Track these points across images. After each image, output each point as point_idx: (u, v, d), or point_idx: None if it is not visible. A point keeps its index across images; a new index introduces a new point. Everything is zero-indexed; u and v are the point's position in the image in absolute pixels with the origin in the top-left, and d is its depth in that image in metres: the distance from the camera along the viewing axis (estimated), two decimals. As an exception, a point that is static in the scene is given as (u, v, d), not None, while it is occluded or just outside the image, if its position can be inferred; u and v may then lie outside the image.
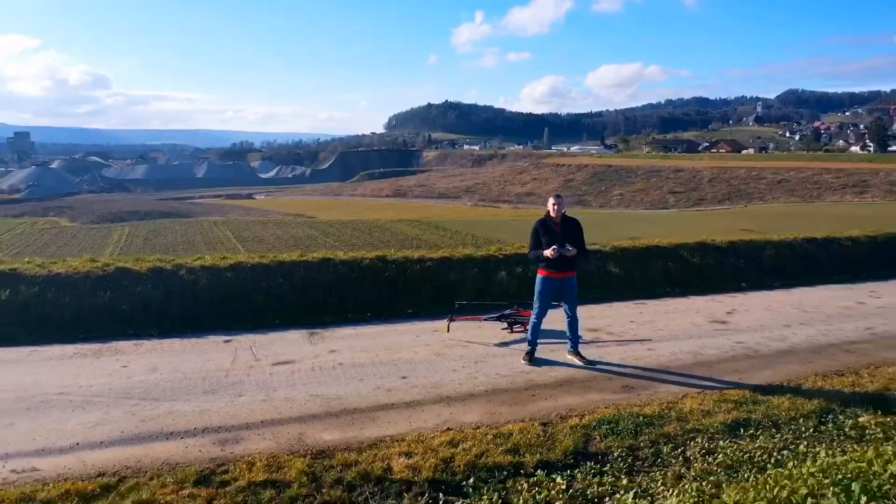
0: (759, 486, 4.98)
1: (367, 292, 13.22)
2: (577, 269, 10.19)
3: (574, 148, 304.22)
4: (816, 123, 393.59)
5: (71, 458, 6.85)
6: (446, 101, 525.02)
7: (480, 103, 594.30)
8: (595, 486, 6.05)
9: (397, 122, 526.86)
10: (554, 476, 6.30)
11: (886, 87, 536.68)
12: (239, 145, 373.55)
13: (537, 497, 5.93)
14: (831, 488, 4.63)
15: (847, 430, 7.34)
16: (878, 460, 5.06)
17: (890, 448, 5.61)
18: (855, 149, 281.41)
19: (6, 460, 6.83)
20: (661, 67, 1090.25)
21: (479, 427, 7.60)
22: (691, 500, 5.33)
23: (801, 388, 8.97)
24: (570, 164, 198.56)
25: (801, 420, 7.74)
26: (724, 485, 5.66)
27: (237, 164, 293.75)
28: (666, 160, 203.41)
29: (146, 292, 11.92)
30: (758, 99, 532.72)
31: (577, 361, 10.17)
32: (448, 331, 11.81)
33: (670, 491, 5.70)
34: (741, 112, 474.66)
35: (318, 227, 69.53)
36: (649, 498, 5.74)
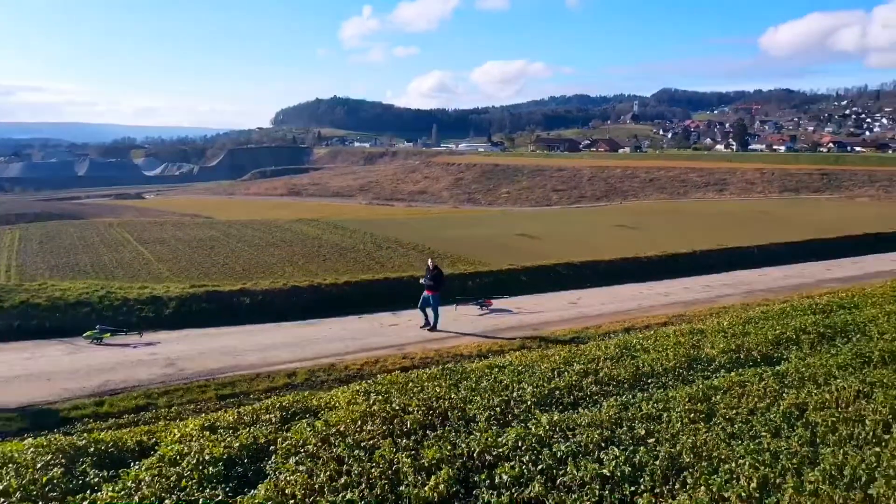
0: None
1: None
2: (438, 291, 18.86)
3: (462, 145, 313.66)
4: (687, 122, 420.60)
5: (346, 356, 13.04)
6: (335, 96, 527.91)
7: (367, 97, 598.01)
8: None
9: (285, 116, 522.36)
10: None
11: (750, 88, 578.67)
12: (120, 141, 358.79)
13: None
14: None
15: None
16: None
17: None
18: (720, 147, 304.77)
19: (324, 358, 15.32)
20: (546, 64, 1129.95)
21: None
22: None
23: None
24: (460, 163, 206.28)
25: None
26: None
27: (120, 161, 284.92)
28: (548, 159, 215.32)
29: (323, 294, 19.34)
30: (635, 97, 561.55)
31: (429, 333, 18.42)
32: (456, 309, 20.93)
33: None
34: (619, 110, 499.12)
35: (218, 228, 69.34)
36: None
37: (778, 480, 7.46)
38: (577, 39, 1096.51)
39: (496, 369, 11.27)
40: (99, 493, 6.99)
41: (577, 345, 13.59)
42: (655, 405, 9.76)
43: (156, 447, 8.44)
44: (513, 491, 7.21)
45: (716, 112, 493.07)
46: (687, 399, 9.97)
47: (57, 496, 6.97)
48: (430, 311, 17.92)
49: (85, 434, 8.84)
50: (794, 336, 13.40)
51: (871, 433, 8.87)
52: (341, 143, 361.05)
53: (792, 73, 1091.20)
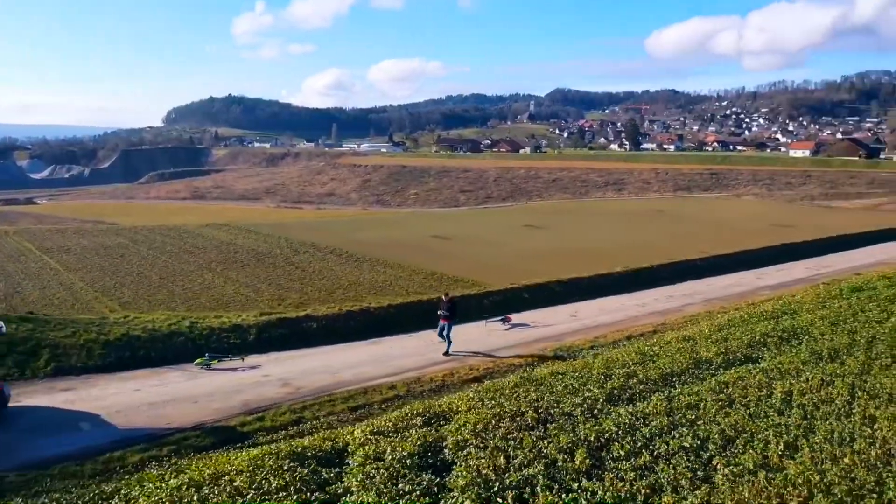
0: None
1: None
2: (452, 321, 21.35)
3: (364, 145, 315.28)
4: (581, 122, 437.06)
5: (424, 370, 16.24)
6: (230, 94, 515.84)
7: (262, 95, 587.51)
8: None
9: (178, 115, 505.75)
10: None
11: (638, 88, 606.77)
12: (1, 141, 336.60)
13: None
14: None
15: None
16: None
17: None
18: (614, 147, 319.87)
19: (407, 372, 18.06)
20: (442, 63, 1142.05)
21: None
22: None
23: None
24: (367, 164, 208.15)
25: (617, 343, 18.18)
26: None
27: (4, 163, 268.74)
28: (454, 160, 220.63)
29: (372, 316, 21.29)
30: (530, 97, 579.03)
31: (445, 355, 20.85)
32: (486, 325, 24.00)
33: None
34: (516, 109, 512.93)
35: (124, 234, 66.92)
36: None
37: (795, 444, 11.27)
38: (471, 39, 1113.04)
39: (559, 376, 14.74)
40: (343, 483, 9.94)
41: (598, 353, 17.21)
42: (689, 397, 13.51)
43: (346, 450, 11.39)
44: (630, 462, 10.67)
45: (607, 111, 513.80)
46: (709, 391, 13.79)
47: (295, 491, 9.77)
48: (444, 335, 20.55)
49: (290, 441, 11.66)
50: (762, 340, 17.56)
51: (841, 409, 12.92)
52: (240, 144, 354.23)
53: (676, 74, 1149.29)
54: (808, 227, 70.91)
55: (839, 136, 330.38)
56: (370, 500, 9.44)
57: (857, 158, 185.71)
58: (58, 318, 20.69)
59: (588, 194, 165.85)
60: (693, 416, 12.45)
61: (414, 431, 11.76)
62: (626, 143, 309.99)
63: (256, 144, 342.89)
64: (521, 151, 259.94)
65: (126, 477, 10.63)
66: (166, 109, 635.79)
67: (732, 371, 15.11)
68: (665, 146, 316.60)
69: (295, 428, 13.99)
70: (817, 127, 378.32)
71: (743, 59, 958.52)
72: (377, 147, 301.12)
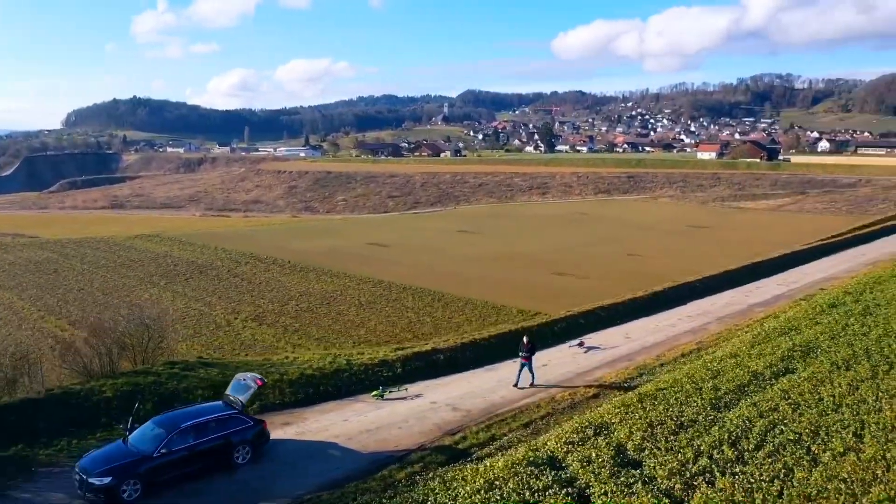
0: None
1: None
2: (530, 360, 24.34)
3: (282, 150, 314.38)
4: (494, 123, 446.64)
5: (552, 390, 21.01)
6: (134, 96, 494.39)
7: (166, 96, 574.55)
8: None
9: (78, 118, 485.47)
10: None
11: (547, 89, 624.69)
12: None
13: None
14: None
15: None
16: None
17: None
18: (529, 148, 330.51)
19: (539, 394, 22.10)
20: (350, 64, 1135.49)
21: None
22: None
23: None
24: (292, 170, 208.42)
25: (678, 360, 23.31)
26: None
27: None
28: (377, 165, 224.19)
29: (479, 346, 25.61)
30: (442, 98, 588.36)
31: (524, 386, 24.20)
32: (570, 348, 27.96)
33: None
34: (429, 110, 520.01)
35: (50, 248, 65.83)
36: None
37: (860, 433, 16.57)
38: (381, 39, 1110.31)
39: (662, 391, 19.73)
40: (579, 480, 14.51)
41: (669, 370, 22.36)
42: (767, 402, 18.74)
43: (554, 456, 15.94)
44: (760, 452, 15.71)
45: (517, 112, 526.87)
46: (779, 398, 19.06)
47: (551, 489, 14.19)
48: (524, 373, 23.77)
49: (509, 453, 16.10)
50: (789, 354, 23.10)
51: (872, 406, 18.34)
52: (150, 148, 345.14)
53: (582, 75, 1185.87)
54: (724, 228, 79.84)
55: (737, 136, 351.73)
56: (610, 488, 14.12)
57: (759, 160, 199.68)
58: (225, 361, 24.08)
59: (514, 198, 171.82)
60: (778, 416, 17.71)
61: (600, 439, 16.48)
62: (541, 145, 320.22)
63: (169, 149, 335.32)
64: (442, 155, 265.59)
65: (428, 484, 14.78)
66: (66, 111, 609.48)
67: (784, 380, 20.51)
68: (578, 147, 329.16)
69: (496, 443, 18.08)
70: (717, 127, 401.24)
71: (645, 61, 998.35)
72: (295, 151, 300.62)
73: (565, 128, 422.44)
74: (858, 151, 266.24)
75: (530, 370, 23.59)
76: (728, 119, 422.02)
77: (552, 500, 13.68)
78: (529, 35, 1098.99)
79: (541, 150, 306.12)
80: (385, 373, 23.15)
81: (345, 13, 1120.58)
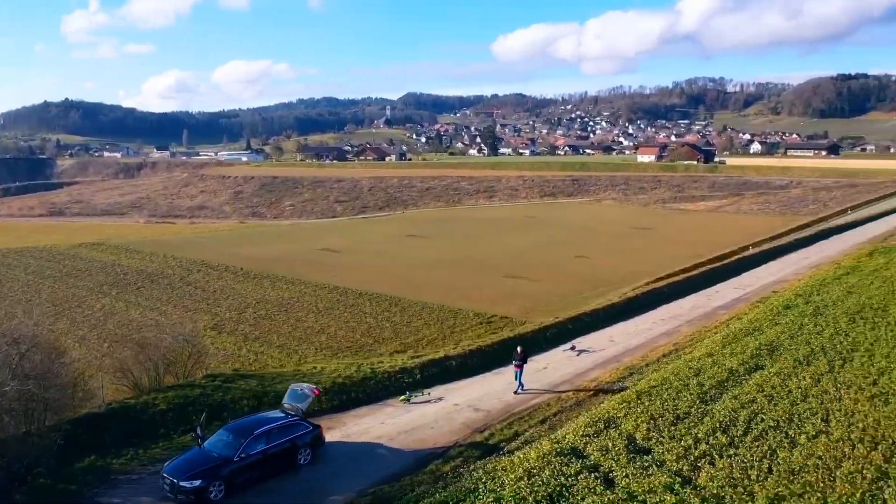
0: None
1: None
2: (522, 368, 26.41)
3: (223, 154, 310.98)
4: (437, 126, 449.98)
5: (559, 387, 23.50)
6: (67, 98, 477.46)
7: (99, 98, 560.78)
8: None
9: (7, 121, 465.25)
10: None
11: (488, 92, 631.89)
12: None
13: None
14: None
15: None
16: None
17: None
18: (473, 151, 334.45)
19: (546, 394, 24.86)
20: (290, 65, 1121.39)
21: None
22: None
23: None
24: (237, 175, 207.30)
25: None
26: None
27: None
28: (323, 169, 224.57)
29: (485, 352, 28.23)
30: (383, 100, 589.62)
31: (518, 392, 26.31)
32: (563, 352, 30.39)
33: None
34: (370, 113, 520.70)
35: None
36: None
37: (827, 416, 19.72)
38: (320, 40, 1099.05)
39: (655, 388, 22.64)
40: (602, 467, 17.26)
41: (655, 369, 25.34)
42: (746, 395, 21.83)
43: (575, 446, 18.61)
44: (748, 437, 18.71)
45: (459, 115, 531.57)
46: (755, 391, 22.17)
47: (582, 475, 16.87)
48: (518, 379, 25.80)
49: (535, 446, 18.71)
50: (758, 352, 26.36)
51: (833, 395, 21.59)
52: (86, 153, 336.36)
53: (522, 78, 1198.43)
54: (666, 229, 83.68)
55: (674, 138, 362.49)
56: (630, 472, 16.87)
57: (696, 163, 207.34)
58: (261, 373, 26.02)
59: (461, 202, 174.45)
60: (757, 407, 20.82)
61: (612, 431, 19.25)
62: (485, 147, 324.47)
63: (106, 154, 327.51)
64: (388, 159, 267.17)
65: (473, 474, 17.22)
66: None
67: (757, 375, 23.70)
68: (520, 150, 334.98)
69: (521, 438, 20.54)
70: (654, 130, 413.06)
71: (583, 64, 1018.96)
72: (237, 155, 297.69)
73: (507, 130, 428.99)
74: (788, 153, 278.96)
75: (518, 378, 25.89)
76: (664, 121, 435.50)
77: (584, 484, 16.34)
78: (469, 38, 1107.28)
79: (484, 153, 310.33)
80: (406, 379, 25.47)
81: (284, 14, 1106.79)
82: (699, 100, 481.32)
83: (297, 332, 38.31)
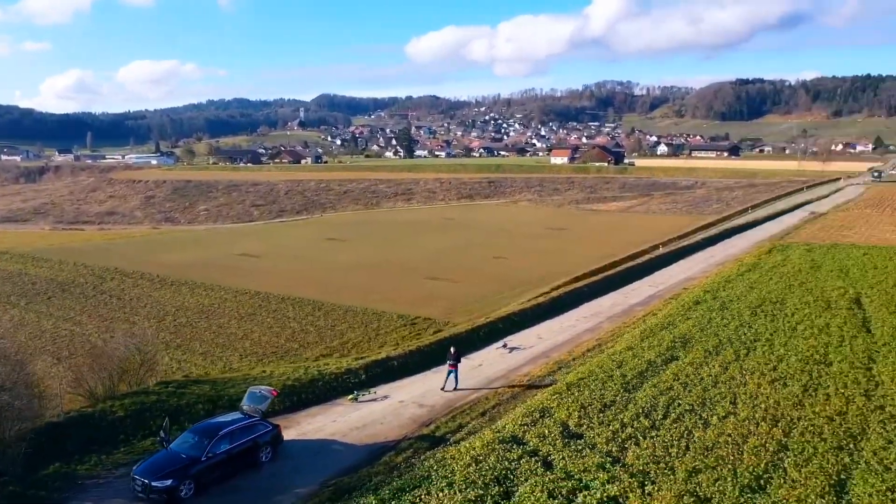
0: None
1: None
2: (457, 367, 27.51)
3: (131, 157, 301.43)
4: (351, 128, 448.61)
5: (494, 383, 24.08)
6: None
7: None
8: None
9: None
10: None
11: (402, 94, 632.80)
12: None
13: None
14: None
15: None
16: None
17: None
18: (389, 154, 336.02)
19: (484, 389, 26.48)
20: (198, 66, 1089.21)
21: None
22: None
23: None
24: (148, 179, 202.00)
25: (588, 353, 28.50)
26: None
27: None
28: (238, 172, 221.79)
29: (423, 353, 29.00)
30: (296, 102, 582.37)
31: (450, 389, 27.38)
32: (500, 348, 31.67)
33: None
34: (283, 115, 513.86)
35: None
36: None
37: (735, 400, 22.33)
38: (230, 41, 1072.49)
39: (582, 380, 24.79)
40: (540, 452, 19.22)
41: (583, 363, 27.56)
42: (664, 383, 24.23)
43: (515, 435, 20.49)
44: (667, 420, 21.05)
45: (373, 117, 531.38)
46: (672, 379, 24.63)
47: (524, 459, 18.78)
48: (451, 378, 26.96)
49: (480, 436, 20.50)
50: (673, 344, 28.98)
51: (739, 381, 24.26)
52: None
53: (436, 80, 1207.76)
54: (580, 229, 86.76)
55: (584, 139, 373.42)
56: (566, 455, 18.85)
57: (607, 164, 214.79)
58: (212, 378, 26.72)
59: (379, 204, 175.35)
60: (674, 394, 23.25)
61: (547, 420, 21.19)
62: (401, 150, 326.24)
63: (4, 157, 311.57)
64: (303, 162, 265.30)
65: (424, 463, 18.80)
66: None
67: (672, 365, 26.21)
68: (437, 153, 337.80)
69: (465, 429, 22.05)
70: (565, 132, 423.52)
71: (495, 66, 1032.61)
72: (146, 158, 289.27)
73: (422, 132, 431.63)
74: (693, 154, 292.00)
75: (455, 377, 27.34)
76: (575, 123, 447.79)
77: (526, 467, 18.20)
78: (382, 39, 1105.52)
79: (401, 156, 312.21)
80: (352, 379, 26.74)
81: (191, 13, 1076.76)
82: (608, 102, 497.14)
83: (220, 339, 38.28)
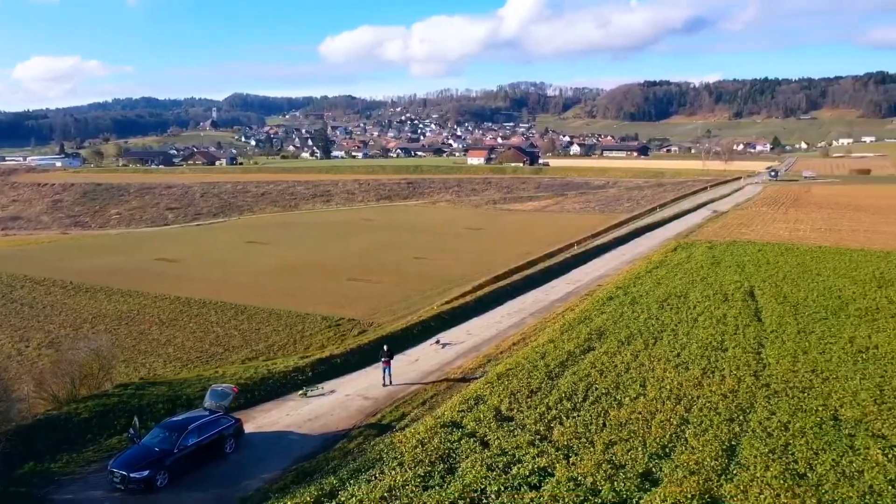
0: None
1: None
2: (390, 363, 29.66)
3: (34, 159, 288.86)
4: (267, 128, 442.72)
5: (429, 377, 26.41)
6: None
7: None
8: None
9: None
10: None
11: (317, 93, 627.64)
12: None
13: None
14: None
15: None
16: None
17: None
18: (305, 154, 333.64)
19: (423, 382, 28.53)
20: (103, 63, 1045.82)
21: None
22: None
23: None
24: (54, 182, 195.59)
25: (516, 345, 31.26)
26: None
27: None
28: (150, 175, 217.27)
29: (364, 350, 29.56)
30: (208, 101, 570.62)
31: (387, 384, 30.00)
32: (434, 344, 34.05)
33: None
34: (194, 114, 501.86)
35: None
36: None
37: (645, 383, 25.61)
38: (136, 37, 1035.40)
39: (512, 370, 27.54)
40: (478, 432, 21.88)
41: (510, 356, 30.37)
42: (583, 370, 27.27)
43: (454, 420, 23.05)
44: (587, 402, 24.07)
45: (288, 116, 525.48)
46: (590, 367, 27.71)
47: (463, 441, 21.37)
48: (387, 374, 29.18)
49: (423, 422, 22.97)
50: (589, 336, 32.15)
51: (647, 367, 27.59)
52: None
53: (351, 80, 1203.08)
54: (498, 229, 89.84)
55: (500, 140, 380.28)
56: (500, 435, 21.51)
57: (522, 164, 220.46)
58: (168, 380, 28.16)
59: (298, 206, 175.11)
60: (591, 380, 26.31)
61: (481, 406, 23.83)
62: (318, 151, 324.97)
63: None
64: (218, 163, 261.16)
65: (375, 448, 21.10)
66: None
67: (590, 355, 29.34)
68: (354, 153, 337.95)
69: (408, 418, 24.43)
70: (481, 132, 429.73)
71: (411, 66, 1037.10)
72: (49, 160, 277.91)
73: (338, 132, 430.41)
74: (604, 154, 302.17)
75: (388, 372, 29.54)
76: (490, 123, 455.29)
77: (466, 446, 20.76)
78: (296, 39, 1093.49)
79: (317, 156, 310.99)
80: (300, 377, 28.74)
81: (96, 8, 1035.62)
82: (522, 103, 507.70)
83: (142, 346, 38.11)
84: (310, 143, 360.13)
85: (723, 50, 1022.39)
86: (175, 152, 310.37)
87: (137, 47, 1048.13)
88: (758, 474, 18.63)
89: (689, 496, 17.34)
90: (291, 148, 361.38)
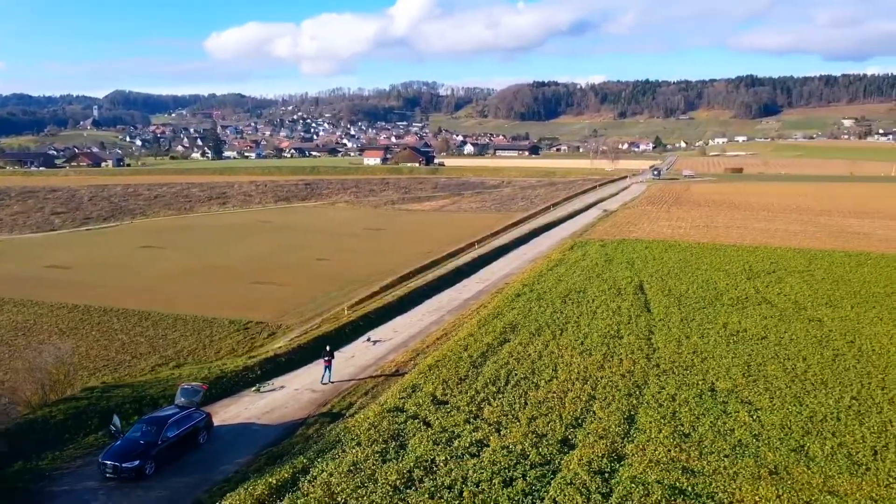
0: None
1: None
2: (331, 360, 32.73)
3: None
4: (151, 127, 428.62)
5: (365, 372, 29.55)
6: None
7: None
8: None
9: None
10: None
11: (205, 91, 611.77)
12: None
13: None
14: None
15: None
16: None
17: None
18: (196, 155, 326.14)
19: (360, 375, 29.39)
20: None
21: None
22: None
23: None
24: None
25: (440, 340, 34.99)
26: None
27: None
28: (32, 178, 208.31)
29: (304, 349, 32.01)
30: (87, 99, 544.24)
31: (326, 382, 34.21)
32: (367, 342, 37.41)
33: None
34: (73, 112, 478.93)
35: None
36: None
37: (556, 368, 30.00)
38: (7, 29, 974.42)
39: (442, 360, 31.29)
40: (419, 416, 25.60)
41: (436, 350, 34.11)
42: (503, 359, 31.38)
43: (398, 405, 26.62)
44: (511, 384, 28.20)
45: (174, 115, 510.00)
46: (507, 355, 31.83)
47: (408, 423, 25.01)
48: (328, 372, 31.96)
49: (367, 411, 26.46)
50: (503, 330, 36.36)
51: (557, 354, 32.01)
52: None
53: (240, 78, 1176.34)
54: (397, 229, 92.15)
55: (394, 139, 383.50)
56: (439, 416, 25.22)
57: (418, 164, 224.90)
58: (131, 383, 30.06)
59: (193, 209, 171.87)
60: (510, 368, 30.48)
61: (419, 393, 27.47)
62: (208, 151, 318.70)
63: None
64: (104, 165, 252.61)
65: (332, 432, 24.34)
66: None
67: (507, 346, 33.52)
68: (246, 154, 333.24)
69: (355, 406, 27.72)
70: (375, 131, 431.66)
71: (301, 64, 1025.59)
72: None
73: (229, 132, 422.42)
74: (497, 153, 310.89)
75: (329, 371, 32.38)
76: (384, 123, 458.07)
77: (412, 426, 24.39)
78: (180, 34, 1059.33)
79: (209, 157, 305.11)
80: (251, 375, 31.49)
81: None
82: (415, 102, 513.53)
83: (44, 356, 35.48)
84: (199, 143, 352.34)
85: (607, 52, 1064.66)
86: (55, 153, 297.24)
87: (6, 41, 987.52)
88: (653, 436, 23.33)
89: (600, 455, 21.78)
90: (180, 148, 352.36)
